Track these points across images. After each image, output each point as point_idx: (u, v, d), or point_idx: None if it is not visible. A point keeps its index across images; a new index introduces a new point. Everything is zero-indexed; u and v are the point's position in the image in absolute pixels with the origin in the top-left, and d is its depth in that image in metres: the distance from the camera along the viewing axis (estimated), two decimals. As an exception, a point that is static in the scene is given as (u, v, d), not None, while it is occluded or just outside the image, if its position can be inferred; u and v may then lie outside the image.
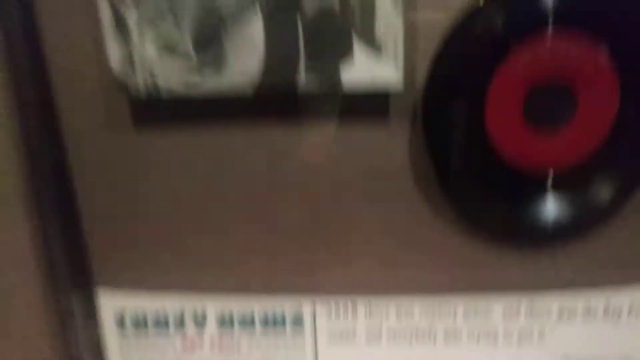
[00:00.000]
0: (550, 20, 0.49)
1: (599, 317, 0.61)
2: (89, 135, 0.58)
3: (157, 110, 0.56)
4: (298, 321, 0.64)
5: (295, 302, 0.63)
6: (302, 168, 0.58)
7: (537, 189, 0.56)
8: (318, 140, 0.57)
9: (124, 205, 0.61)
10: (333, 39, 0.50)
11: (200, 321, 0.65)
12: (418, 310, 0.62)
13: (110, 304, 0.65)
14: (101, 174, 0.59)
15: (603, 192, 0.56)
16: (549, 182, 0.56)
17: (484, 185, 0.56)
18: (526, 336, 0.62)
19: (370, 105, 0.55)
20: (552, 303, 0.61)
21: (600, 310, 0.61)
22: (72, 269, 0.61)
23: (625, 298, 0.60)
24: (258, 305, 0.63)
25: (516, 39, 0.50)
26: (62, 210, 0.59)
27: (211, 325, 0.65)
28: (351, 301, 0.62)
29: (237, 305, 0.64)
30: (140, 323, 0.65)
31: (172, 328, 0.65)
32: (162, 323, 0.65)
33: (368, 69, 0.51)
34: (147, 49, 0.51)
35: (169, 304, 0.64)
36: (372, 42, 0.50)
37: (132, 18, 0.50)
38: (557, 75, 0.52)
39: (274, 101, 0.55)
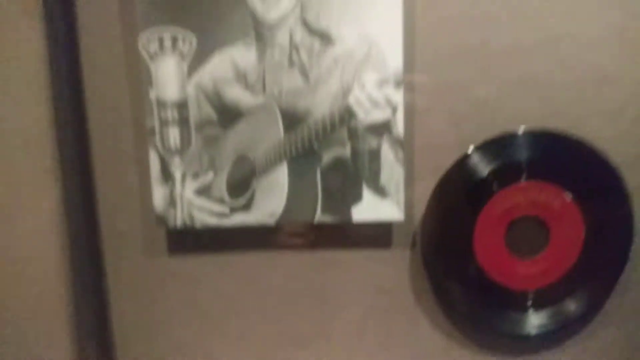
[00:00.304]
0: (525, 169, 0.60)
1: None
2: (127, 261, 0.65)
3: (189, 239, 0.64)
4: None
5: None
6: (315, 287, 0.66)
7: (519, 304, 0.65)
8: (330, 263, 0.65)
9: (153, 322, 0.67)
10: (345, 183, 0.60)
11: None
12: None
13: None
14: (135, 294, 0.67)
15: (576, 306, 0.65)
16: (530, 298, 0.65)
17: (474, 300, 0.65)
18: None
19: (376, 233, 0.64)
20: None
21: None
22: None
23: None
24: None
25: (498, 183, 0.61)
26: (96, 327, 0.65)
27: None
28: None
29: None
30: None
31: None
32: None
33: (374, 208, 0.60)
34: (186, 193, 0.60)
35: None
36: (377, 186, 0.60)
37: (177, 169, 0.59)
38: (532, 212, 0.62)
39: (293, 231, 0.64)
